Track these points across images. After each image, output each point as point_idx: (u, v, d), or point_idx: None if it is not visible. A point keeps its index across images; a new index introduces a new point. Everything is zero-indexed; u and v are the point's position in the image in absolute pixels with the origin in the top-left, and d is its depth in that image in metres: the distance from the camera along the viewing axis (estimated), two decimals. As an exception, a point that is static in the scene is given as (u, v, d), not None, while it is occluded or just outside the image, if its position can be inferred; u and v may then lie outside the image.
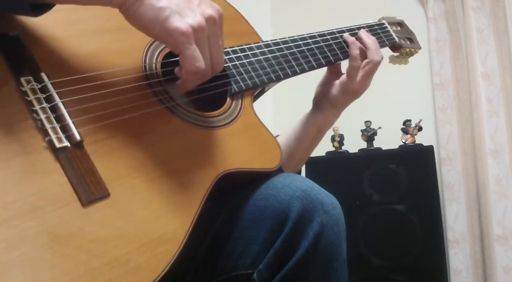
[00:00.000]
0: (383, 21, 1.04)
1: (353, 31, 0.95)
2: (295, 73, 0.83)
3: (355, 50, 0.90)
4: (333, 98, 0.92)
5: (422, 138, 2.24)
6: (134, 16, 0.57)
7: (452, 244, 2.26)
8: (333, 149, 2.35)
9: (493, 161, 2.23)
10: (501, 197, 2.20)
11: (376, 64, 0.90)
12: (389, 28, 1.02)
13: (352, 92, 0.91)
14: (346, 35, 0.93)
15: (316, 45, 0.89)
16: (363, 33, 0.93)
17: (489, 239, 2.17)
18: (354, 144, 2.35)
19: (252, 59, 0.79)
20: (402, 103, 2.50)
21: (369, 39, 0.91)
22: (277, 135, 0.97)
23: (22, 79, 0.54)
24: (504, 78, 2.32)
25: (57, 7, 0.58)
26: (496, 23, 2.38)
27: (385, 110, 2.47)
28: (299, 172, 1.00)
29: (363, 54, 0.90)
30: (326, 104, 0.93)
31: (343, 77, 0.91)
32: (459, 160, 2.35)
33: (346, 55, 0.92)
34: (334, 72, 0.95)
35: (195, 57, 0.58)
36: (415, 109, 2.42)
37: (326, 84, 0.94)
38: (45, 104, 0.53)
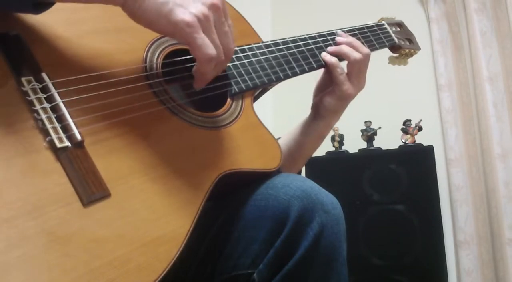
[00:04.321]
0: (383, 22, 1.04)
1: (353, 32, 0.95)
2: (295, 74, 0.84)
3: (329, 59, 0.87)
4: (332, 106, 0.90)
5: (423, 139, 2.24)
6: (137, 14, 0.57)
7: (463, 245, 2.27)
8: (333, 149, 2.35)
9: (500, 165, 2.23)
10: (510, 201, 2.21)
11: (359, 62, 0.86)
12: (388, 29, 1.03)
13: (349, 96, 0.88)
14: (323, 54, 0.88)
15: (316, 45, 0.89)
16: (338, 39, 0.90)
17: (501, 242, 2.18)
18: (354, 144, 2.35)
19: (252, 59, 0.79)
20: (402, 103, 2.50)
21: (346, 39, 0.89)
22: (278, 138, 0.96)
23: (23, 79, 0.54)
24: (508, 82, 2.31)
25: (58, 6, 0.58)
26: (498, 26, 2.37)
27: (385, 110, 2.47)
28: (299, 172, 0.99)
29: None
30: (326, 112, 0.91)
31: (336, 86, 0.88)
32: (465, 162, 2.35)
33: (346, 55, 0.92)
34: (330, 76, 0.92)
35: (205, 45, 0.58)
36: (415, 110, 2.42)
37: (322, 91, 0.92)
38: (46, 104, 0.53)
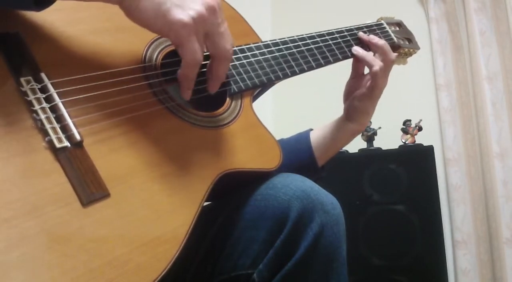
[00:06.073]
0: (382, 21, 1.04)
1: (352, 32, 0.95)
2: (294, 74, 0.84)
3: (362, 53, 0.92)
4: (364, 108, 0.93)
5: (423, 139, 2.24)
6: (134, 12, 0.57)
7: (460, 244, 2.26)
8: (333, 149, 2.34)
9: (499, 164, 2.23)
10: (508, 200, 2.20)
11: (389, 66, 0.91)
12: (387, 28, 1.02)
13: (378, 95, 0.92)
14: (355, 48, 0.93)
15: (315, 45, 0.89)
16: (373, 39, 0.93)
17: (498, 242, 2.18)
18: (354, 144, 2.32)
19: (252, 59, 0.79)
20: (402, 103, 2.50)
21: (380, 40, 0.93)
22: (311, 129, 0.99)
23: (22, 79, 0.54)
24: (507, 81, 2.31)
25: (57, 6, 0.58)
26: (497, 25, 2.36)
27: (385, 110, 2.46)
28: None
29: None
30: (357, 114, 0.94)
31: (367, 89, 0.91)
32: (463, 162, 2.35)
33: (345, 56, 0.92)
34: (357, 76, 0.95)
35: (195, 50, 0.58)
36: (415, 110, 2.42)
37: (352, 94, 0.94)
38: (45, 104, 0.53)
